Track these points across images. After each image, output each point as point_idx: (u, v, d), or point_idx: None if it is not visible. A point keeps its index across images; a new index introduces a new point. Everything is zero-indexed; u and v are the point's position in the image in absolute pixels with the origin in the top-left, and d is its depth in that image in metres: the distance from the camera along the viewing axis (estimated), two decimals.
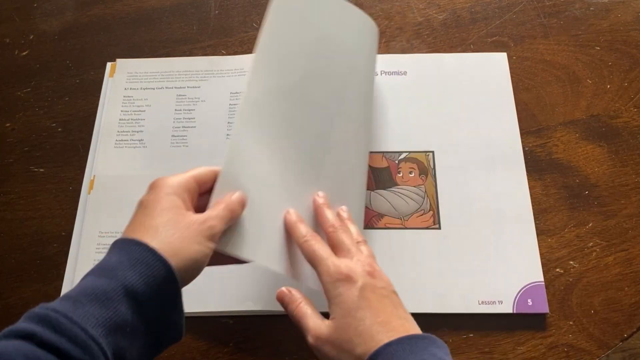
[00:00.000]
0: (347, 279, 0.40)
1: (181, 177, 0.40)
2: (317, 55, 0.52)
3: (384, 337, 0.37)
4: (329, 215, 0.46)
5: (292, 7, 0.51)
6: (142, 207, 0.39)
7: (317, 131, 0.50)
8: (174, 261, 0.35)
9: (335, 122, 0.51)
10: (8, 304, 0.54)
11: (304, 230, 0.44)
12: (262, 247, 0.43)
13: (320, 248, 0.42)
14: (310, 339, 0.40)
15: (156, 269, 0.34)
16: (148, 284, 0.34)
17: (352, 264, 0.41)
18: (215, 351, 0.51)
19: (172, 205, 0.38)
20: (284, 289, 0.44)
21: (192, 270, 0.37)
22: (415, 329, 0.39)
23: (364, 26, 0.56)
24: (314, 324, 0.41)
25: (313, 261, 0.42)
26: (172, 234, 0.36)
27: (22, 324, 0.32)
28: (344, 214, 0.47)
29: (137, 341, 0.34)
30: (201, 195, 0.42)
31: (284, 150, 0.47)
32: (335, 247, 0.43)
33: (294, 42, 0.51)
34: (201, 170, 0.41)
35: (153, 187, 0.40)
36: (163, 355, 0.51)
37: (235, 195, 0.41)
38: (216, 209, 0.40)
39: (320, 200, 0.47)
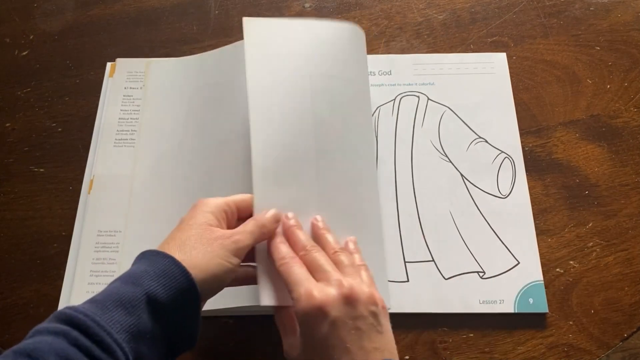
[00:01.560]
0: (318, 311, 0.37)
1: (221, 199, 0.42)
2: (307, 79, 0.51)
3: None
4: (330, 238, 0.43)
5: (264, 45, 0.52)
6: (180, 223, 0.40)
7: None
8: (195, 273, 0.36)
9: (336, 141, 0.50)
10: (8, 304, 0.54)
11: (284, 250, 0.41)
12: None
13: (297, 271, 0.39)
14: (285, 353, 0.41)
15: (179, 281, 0.36)
16: (170, 295, 0.35)
17: (328, 289, 0.38)
18: (215, 351, 0.51)
19: (203, 221, 0.39)
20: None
21: (212, 285, 0.38)
22: (386, 355, 0.38)
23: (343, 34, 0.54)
24: (290, 342, 0.41)
25: (287, 285, 0.40)
26: (196, 247, 0.38)
27: (52, 324, 0.33)
28: (351, 245, 0.45)
29: (156, 348, 0.36)
30: (239, 220, 0.43)
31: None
32: (318, 270, 0.40)
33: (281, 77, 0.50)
34: (243, 196, 0.43)
35: (193, 206, 0.41)
36: None
37: (270, 213, 0.42)
38: (245, 225, 0.41)
39: (320, 225, 0.44)
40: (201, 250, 0.38)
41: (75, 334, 0.32)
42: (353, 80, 0.53)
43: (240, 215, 0.43)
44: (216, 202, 0.41)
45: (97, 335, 0.32)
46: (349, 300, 0.38)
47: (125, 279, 0.36)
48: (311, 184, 0.47)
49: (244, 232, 0.40)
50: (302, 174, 0.47)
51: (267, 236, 0.42)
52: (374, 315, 0.38)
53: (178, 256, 0.37)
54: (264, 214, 0.42)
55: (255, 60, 0.51)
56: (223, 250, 0.38)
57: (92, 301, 0.35)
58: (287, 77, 0.50)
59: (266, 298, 0.42)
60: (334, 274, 0.39)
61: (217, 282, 0.38)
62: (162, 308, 0.35)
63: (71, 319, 0.33)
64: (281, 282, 0.41)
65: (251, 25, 0.52)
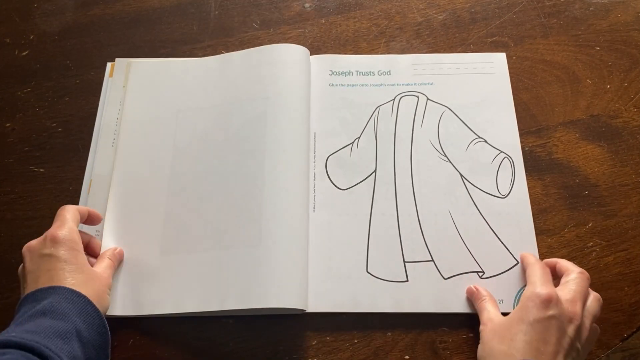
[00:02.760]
0: (546, 302, 0.44)
1: (72, 228, 0.49)
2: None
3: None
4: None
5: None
6: (62, 261, 0.46)
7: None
8: (99, 308, 0.45)
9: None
10: (8, 304, 0.54)
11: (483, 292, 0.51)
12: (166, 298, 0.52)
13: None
14: (481, 326, 0.48)
15: (94, 318, 0.44)
16: (90, 330, 0.44)
17: (562, 294, 0.46)
18: (215, 351, 0.51)
19: (84, 263, 0.48)
20: (472, 286, 0.51)
21: (104, 313, 0.47)
22: None
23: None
24: (489, 313, 0.48)
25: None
26: (94, 287, 0.47)
27: (3, 350, 0.39)
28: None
29: None
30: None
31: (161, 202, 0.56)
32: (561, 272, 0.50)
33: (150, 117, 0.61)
34: (73, 213, 0.50)
35: (58, 241, 0.47)
36: (164, 356, 0.51)
37: (117, 251, 0.53)
38: (105, 264, 0.51)
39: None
40: (97, 290, 0.47)
41: (30, 356, 0.38)
42: (258, 101, 0.58)
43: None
44: (76, 235, 0.49)
45: (51, 357, 0.39)
46: (572, 320, 0.45)
47: (53, 315, 0.42)
48: (159, 207, 0.55)
49: (110, 273, 0.51)
50: (152, 198, 0.56)
51: (116, 269, 0.53)
52: (577, 352, 0.45)
53: (87, 295, 0.45)
54: (113, 252, 0.52)
55: (133, 99, 0.61)
56: (106, 288, 0.49)
57: (29, 331, 0.40)
58: (158, 114, 0.60)
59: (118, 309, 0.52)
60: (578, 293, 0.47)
61: (105, 310, 0.48)
62: (85, 341, 0.43)
63: (24, 345, 0.39)
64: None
65: (138, 66, 0.63)
